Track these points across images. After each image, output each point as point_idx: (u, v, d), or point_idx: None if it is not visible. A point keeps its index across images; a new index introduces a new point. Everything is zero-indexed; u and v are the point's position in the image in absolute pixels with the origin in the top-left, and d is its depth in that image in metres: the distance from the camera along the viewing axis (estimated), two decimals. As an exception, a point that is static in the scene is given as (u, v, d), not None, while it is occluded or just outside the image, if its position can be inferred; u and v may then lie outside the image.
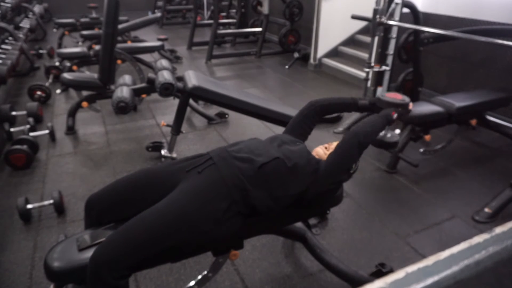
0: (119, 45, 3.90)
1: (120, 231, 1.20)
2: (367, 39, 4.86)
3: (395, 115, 1.48)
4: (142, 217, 1.22)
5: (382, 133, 1.58)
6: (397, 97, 1.54)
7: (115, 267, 1.14)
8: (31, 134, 3.10)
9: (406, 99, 1.57)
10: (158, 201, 1.28)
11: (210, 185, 1.30)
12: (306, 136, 1.68)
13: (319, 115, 1.68)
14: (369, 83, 3.51)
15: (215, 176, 1.32)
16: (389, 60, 3.37)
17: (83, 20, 5.77)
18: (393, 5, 3.07)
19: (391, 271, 1.69)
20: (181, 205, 1.25)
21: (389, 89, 3.52)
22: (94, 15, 5.87)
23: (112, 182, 1.44)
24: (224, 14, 7.70)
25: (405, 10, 3.18)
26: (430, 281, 0.39)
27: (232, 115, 3.60)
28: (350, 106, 1.67)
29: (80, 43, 5.77)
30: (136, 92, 3.19)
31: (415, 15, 3.22)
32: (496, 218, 2.23)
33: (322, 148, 1.59)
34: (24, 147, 2.77)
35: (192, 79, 2.58)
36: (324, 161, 1.44)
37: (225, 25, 7.20)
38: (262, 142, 1.52)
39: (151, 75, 2.71)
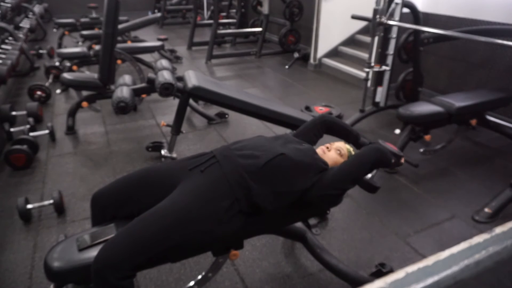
0: (119, 45, 3.90)
1: (124, 232, 1.20)
2: (367, 39, 4.86)
3: (392, 160, 1.51)
4: (145, 218, 1.22)
5: (369, 176, 1.63)
6: (393, 147, 1.60)
7: (119, 268, 1.14)
8: (31, 134, 3.10)
9: (401, 152, 1.62)
10: (160, 199, 1.29)
11: (213, 184, 1.30)
12: (315, 142, 1.69)
13: (327, 130, 1.71)
14: (369, 83, 3.51)
15: (217, 175, 1.32)
16: (389, 60, 3.38)
17: (83, 20, 5.77)
18: (393, 5, 3.07)
19: (391, 271, 1.70)
20: (184, 205, 1.25)
21: (389, 89, 3.52)
22: (94, 15, 5.87)
23: (116, 179, 1.45)
24: (224, 14, 7.70)
25: (405, 10, 3.18)
26: (430, 281, 0.39)
27: (232, 115, 3.60)
28: (352, 137, 1.68)
29: (80, 43, 5.77)
30: (136, 92, 3.19)
31: (415, 15, 3.22)
32: (496, 218, 2.23)
33: (323, 148, 1.59)
34: (24, 147, 2.77)
35: (192, 79, 2.58)
36: (336, 166, 1.44)
37: (225, 25, 7.20)
38: (267, 139, 1.52)
39: (151, 75, 2.71)
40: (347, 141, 1.71)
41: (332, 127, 1.69)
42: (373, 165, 1.41)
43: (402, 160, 1.58)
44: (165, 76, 2.63)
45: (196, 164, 1.39)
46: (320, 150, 1.58)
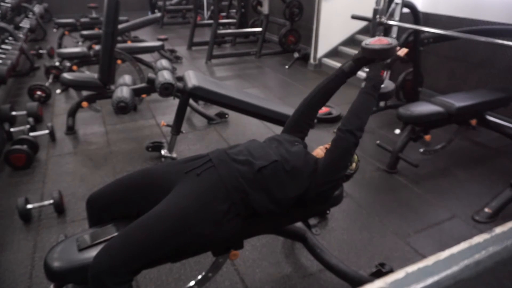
0: (119, 45, 3.90)
1: (120, 237, 1.19)
2: (367, 39, 4.86)
3: (384, 74, 1.36)
4: (142, 222, 1.22)
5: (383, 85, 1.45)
6: (382, 42, 1.37)
7: (117, 273, 1.13)
8: (31, 134, 3.10)
9: (393, 41, 1.39)
10: (158, 201, 1.28)
11: (210, 188, 1.30)
12: (306, 133, 1.67)
13: (316, 108, 1.65)
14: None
15: (214, 179, 1.32)
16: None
17: (83, 20, 5.77)
18: (393, 5, 3.08)
19: (391, 271, 1.69)
20: (181, 208, 1.24)
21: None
22: (94, 15, 5.88)
23: (112, 181, 1.45)
24: (224, 14, 7.70)
25: (405, 10, 3.18)
26: (430, 281, 0.39)
27: (232, 115, 3.60)
28: (340, 78, 1.61)
29: (80, 43, 5.77)
30: (136, 92, 3.19)
31: (415, 15, 3.22)
32: (496, 218, 2.23)
33: (323, 148, 1.59)
34: (24, 147, 2.77)
35: (192, 79, 2.58)
36: (322, 159, 1.43)
37: (225, 25, 7.20)
38: (261, 144, 1.50)
39: (151, 75, 2.71)
40: (341, 83, 1.62)
41: (319, 99, 1.63)
42: (356, 141, 1.36)
43: (400, 51, 1.42)
44: (165, 76, 2.63)
45: (192, 167, 1.38)
46: (319, 150, 1.58)
